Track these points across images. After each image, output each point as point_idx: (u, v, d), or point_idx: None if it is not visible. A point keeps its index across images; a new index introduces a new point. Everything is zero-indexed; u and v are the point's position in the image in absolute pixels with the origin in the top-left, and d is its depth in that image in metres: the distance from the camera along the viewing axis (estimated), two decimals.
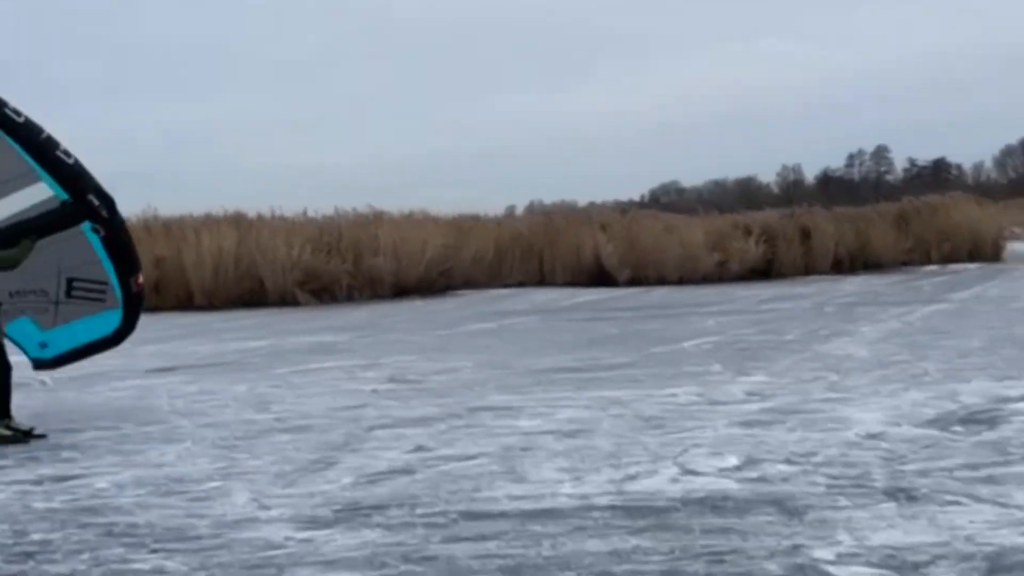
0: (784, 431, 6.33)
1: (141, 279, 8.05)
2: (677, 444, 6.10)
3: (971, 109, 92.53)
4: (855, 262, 25.25)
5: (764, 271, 24.22)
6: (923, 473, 5.11)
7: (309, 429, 7.31)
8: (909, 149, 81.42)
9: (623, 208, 31.68)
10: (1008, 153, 68.30)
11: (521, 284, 25.25)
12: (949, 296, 16.32)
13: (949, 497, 4.63)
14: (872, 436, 6.07)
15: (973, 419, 6.40)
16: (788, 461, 5.52)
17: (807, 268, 24.51)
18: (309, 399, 8.79)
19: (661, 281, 23.47)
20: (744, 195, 59.87)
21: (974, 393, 7.31)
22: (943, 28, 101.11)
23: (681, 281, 23.43)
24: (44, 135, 7.05)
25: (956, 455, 5.45)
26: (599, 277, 24.27)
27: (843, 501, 4.68)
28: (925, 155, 69.95)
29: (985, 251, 26.91)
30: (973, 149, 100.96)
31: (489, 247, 25.16)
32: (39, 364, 8.42)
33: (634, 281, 23.75)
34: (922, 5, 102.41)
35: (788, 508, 4.60)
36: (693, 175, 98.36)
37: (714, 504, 4.74)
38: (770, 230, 24.72)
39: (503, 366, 10.35)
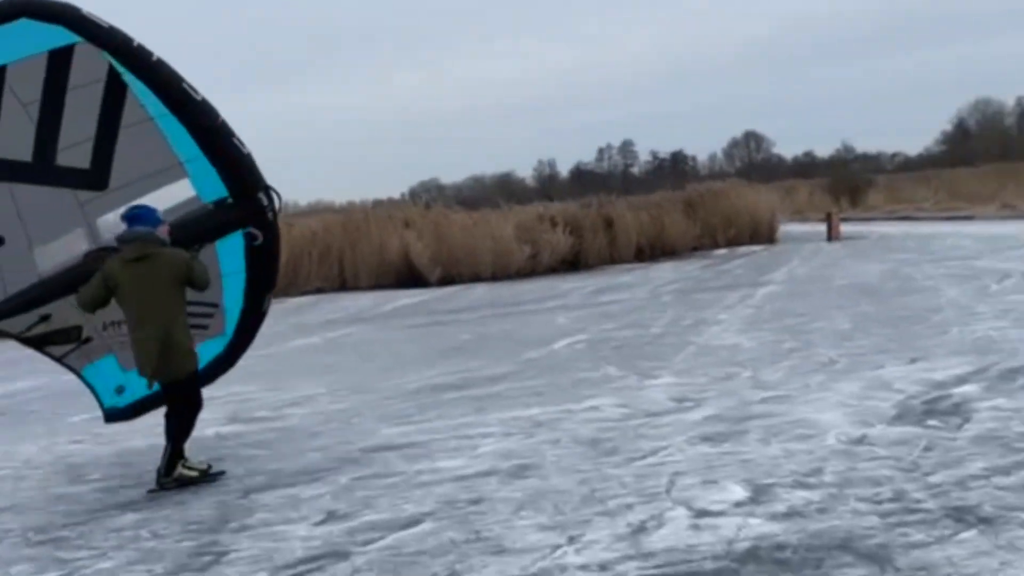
0: (757, 444, 5.54)
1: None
2: (653, 474, 5.11)
3: (704, 104, 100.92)
4: (654, 250, 25.83)
5: (573, 262, 24.09)
6: (961, 485, 4.47)
7: (161, 501, 5.57)
8: (651, 142, 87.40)
9: (427, 203, 30.47)
10: (734, 144, 75.06)
11: (320, 290, 23.38)
12: (766, 278, 16.74)
13: None
14: (856, 441, 5.42)
15: (936, 411, 5.96)
16: (799, 484, 4.70)
17: (612, 257, 24.70)
18: (137, 456, 6.90)
19: (475, 278, 22.58)
20: (503, 190, 61.27)
21: (903, 380, 6.95)
22: (678, 28, 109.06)
23: (495, 277, 22.69)
24: (220, 119, 5.89)
25: (969, 458, 4.89)
26: (408, 278, 22.96)
27: (916, 534, 3.90)
28: (665, 147, 75.78)
29: (763, 233, 28.60)
30: (706, 141, 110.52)
31: (282, 251, 23.00)
32: (112, 415, 6.73)
33: (445, 280, 22.69)
34: (661, 5, 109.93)
35: (866, 552, 3.74)
36: (451, 172, 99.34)
37: (775, 558, 3.78)
38: (574, 221, 24.63)
39: (366, 389, 8.90)
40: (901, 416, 5.91)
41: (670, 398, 7.07)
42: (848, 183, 46.64)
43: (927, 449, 5.12)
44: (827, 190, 47.12)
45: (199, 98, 5.78)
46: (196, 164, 5.90)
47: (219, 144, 5.86)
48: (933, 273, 14.67)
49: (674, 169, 68.64)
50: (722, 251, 26.46)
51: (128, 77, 5.68)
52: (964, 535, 3.85)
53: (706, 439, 5.76)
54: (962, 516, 4.05)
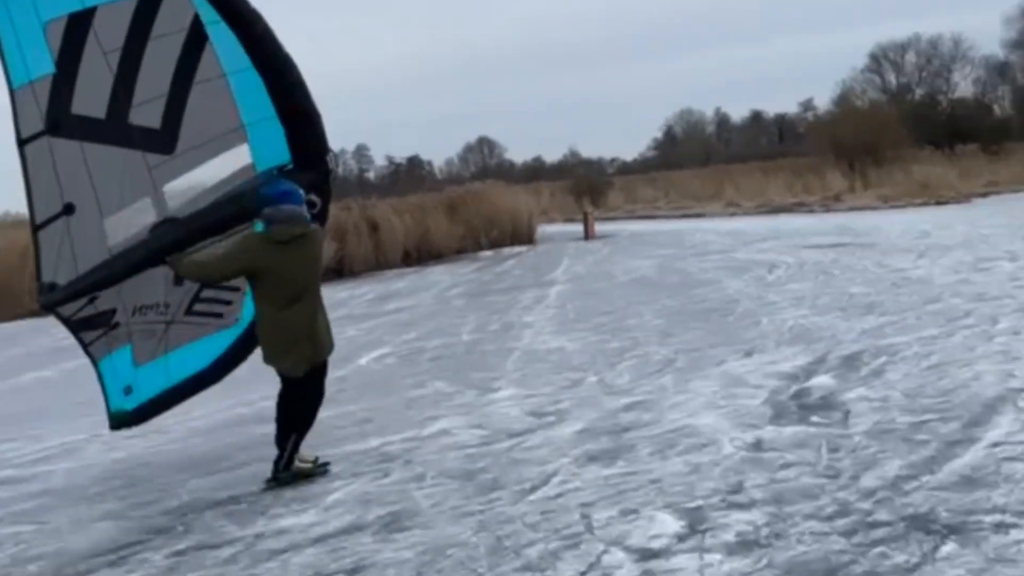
0: (658, 461, 4.96)
1: None
2: (559, 509, 4.36)
3: (439, 110, 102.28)
4: (421, 253, 25.13)
5: (337, 269, 22.70)
6: (896, 489, 4.15)
7: None
8: (386, 147, 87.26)
9: None
10: (469, 150, 77.12)
11: (36, 313, 20.08)
12: (548, 278, 16.60)
13: (988, 519, 3.70)
14: (754, 447, 5.02)
15: (810, 406, 5.74)
16: (731, 504, 4.18)
17: (379, 262, 23.66)
18: None
19: None
20: None
21: (754, 374, 6.76)
22: (409, 32, 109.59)
23: None
24: (302, 77, 5.47)
25: (881, 457, 4.61)
26: None
27: (896, 555, 3.48)
28: (400, 153, 76.20)
29: (524, 234, 28.90)
30: (441, 147, 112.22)
31: None
32: (118, 419, 5.96)
33: None
34: (391, 9, 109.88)
35: None
36: None
37: None
38: (336, 225, 23.22)
39: (142, 430, 7.20)
40: (780, 415, 5.63)
41: (526, 413, 6.36)
42: (589, 184, 48.95)
43: (833, 450, 4.81)
44: (569, 191, 49.19)
45: (286, 52, 5.38)
46: (260, 127, 5.42)
47: (300, 102, 5.43)
48: (704, 266, 15.25)
49: (410, 173, 68.70)
50: (488, 253, 26.35)
51: (213, 28, 5.24)
52: (944, 549, 3.48)
53: (593, 459, 5.11)
54: (926, 527, 3.70)
